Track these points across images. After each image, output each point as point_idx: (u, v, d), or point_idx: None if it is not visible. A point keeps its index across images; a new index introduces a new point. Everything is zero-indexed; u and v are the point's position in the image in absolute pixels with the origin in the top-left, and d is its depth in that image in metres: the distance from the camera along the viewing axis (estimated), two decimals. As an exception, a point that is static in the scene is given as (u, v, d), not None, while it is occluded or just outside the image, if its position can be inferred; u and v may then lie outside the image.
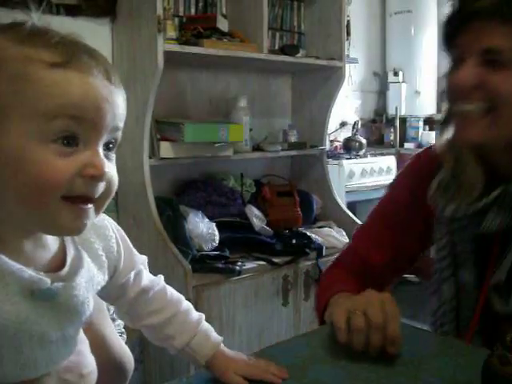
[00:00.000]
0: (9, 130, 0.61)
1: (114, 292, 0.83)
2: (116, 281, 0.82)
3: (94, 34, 2.41)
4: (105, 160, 0.65)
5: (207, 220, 2.48)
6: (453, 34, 0.94)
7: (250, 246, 2.56)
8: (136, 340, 2.05)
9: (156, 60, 2.22)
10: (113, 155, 0.69)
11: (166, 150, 2.39)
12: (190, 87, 2.77)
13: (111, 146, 0.68)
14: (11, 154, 0.61)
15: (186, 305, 0.88)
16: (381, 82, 4.58)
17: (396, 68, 4.46)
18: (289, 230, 2.75)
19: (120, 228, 0.83)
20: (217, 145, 2.51)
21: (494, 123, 0.91)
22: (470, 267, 1.02)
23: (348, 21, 3.80)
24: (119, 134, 0.68)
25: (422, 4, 4.40)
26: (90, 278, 0.74)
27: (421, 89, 4.47)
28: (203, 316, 0.88)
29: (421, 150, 1.19)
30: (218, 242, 2.44)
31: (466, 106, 0.93)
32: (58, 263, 0.71)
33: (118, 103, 0.66)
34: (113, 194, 0.68)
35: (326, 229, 2.84)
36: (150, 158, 2.36)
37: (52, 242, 0.72)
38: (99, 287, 0.77)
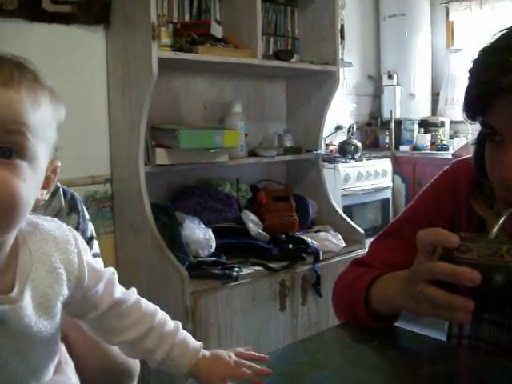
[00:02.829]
0: None
1: (84, 307, 0.79)
2: (84, 295, 0.77)
3: (89, 41, 2.42)
4: None
5: (203, 226, 2.48)
6: (481, 110, 0.85)
7: (246, 251, 2.55)
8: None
9: (150, 67, 2.22)
10: (15, 162, 0.63)
11: (161, 156, 2.39)
12: (184, 93, 2.77)
13: (6, 150, 0.62)
14: None
15: (162, 315, 0.86)
16: (375, 86, 4.59)
17: (390, 71, 4.47)
18: (285, 235, 2.75)
19: (83, 241, 0.79)
20: (212, 151, 2.51)
21: None
22: None
23: (342, 25, 3.81)
24: (19, 139, 0.63)
25: (415, 7, 4.42)
26: (43, 294, 0.70)
27: (415, 91, 4.47)
28: (180, 324, 0.87)
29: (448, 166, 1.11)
30: (214, 247, 2.44)
31: None
32: (7, 283, 0.67)
33: (6, 105, 0.62)
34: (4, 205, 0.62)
35: (323, 233, 2.84)
36: (146, 164, 2.35)
37: (3, 259, 0.67)
38: (59, 301, 0.73)
